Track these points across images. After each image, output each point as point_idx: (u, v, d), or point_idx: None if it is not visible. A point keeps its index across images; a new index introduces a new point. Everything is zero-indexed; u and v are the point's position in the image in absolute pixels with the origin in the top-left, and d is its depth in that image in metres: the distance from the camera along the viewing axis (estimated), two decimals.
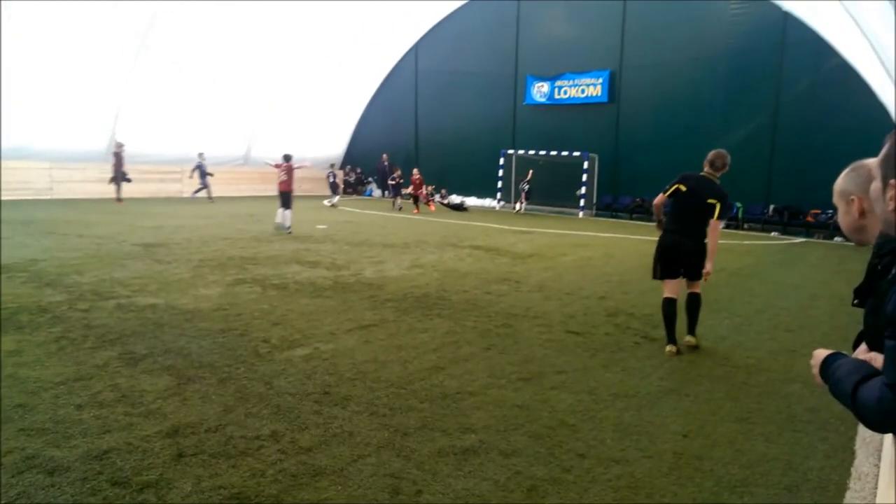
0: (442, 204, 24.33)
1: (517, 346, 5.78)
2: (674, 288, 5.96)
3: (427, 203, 23.04)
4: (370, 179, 30.60)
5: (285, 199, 14.21)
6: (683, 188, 5.87)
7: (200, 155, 22.40)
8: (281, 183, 14.44)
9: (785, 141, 19.82)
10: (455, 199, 24.74)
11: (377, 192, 29.99)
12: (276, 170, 14.72)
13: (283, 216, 14.18)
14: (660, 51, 22.07)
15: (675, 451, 3.75)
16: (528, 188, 23.94)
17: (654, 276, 6.09)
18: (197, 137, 23.51)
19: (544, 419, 4.11)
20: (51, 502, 2.87)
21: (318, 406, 4.16)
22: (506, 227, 17.42)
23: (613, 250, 13.30)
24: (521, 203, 24.19)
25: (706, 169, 5.94)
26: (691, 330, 6.03)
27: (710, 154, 5.92)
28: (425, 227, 16.84)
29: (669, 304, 5.91)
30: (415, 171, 22.94)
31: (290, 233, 13.73)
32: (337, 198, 23.43)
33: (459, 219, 19.79)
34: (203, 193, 22.47)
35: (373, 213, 20.84)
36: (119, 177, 20.46)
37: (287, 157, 14.78)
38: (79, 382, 4.37)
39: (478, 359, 5.36)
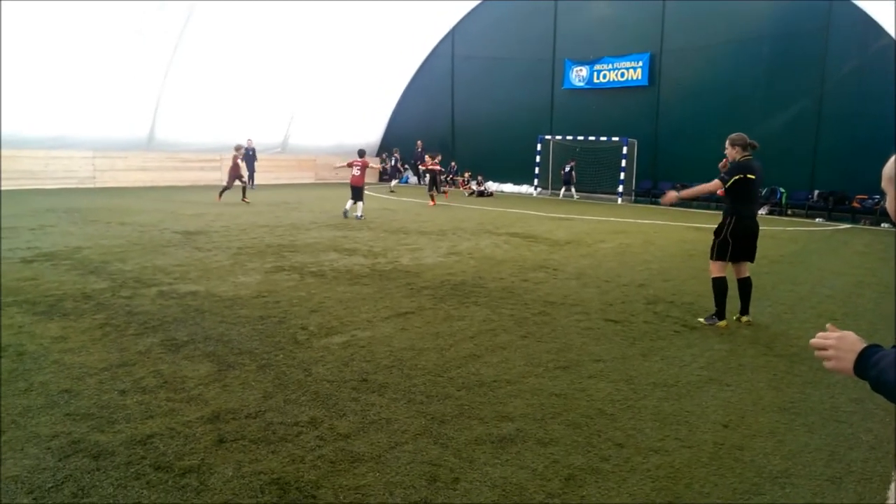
0: (471, 192, 24.14)
1: (554, 334, 5.72)
2: (725, 269, 6.28)
3: (442, 193, 22.34)
4: (406, 166, 30.63)
5: (357, 192, 14.85)
6: (752, 176, 6.09)
7: (248, 141, 22.63)
8: (353, 177, 14.96)
9: (830, 125, 19.16)
10: (476, 186, 24.45)
11: (413, 180, 30.02)
12: (348, 168, 15.26)
13: (354, 206, 14.85)
14: (701, 34, 21.51)
15: (715, 441, 3.66)
16: (573, 174, 23.57)
17: (720, 258, 6.24)
18: (236, 126, 23.87)
19: (582, 408, 4.05)
20: (96, 486, 2.94)
21: (356, 393, 4.18)
22: (543, 214, 17.26)
23: (653, 237, 13.06)
24: (567, 188, 23.77)
25: (748, 152, 6.17)
26: (747, 310, 6.40)
27: (747, 138, 6.19)
28: (461, 214, 16.80)
29: (724, 282, 6.26)
30: (427, 157, 21.20)
31: (362, 219, 14.50)
32: (394, 182, 24.09)
33: (496, 206, 19.68)
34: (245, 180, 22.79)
35: (409, 200, 20.86)
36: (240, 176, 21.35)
37: (361, 153, 15.50)
38: (122, 368, 4.47)
39: (515, 347, 5.32)
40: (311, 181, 28.02)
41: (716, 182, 6.19)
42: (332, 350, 5.07)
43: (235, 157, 18.21)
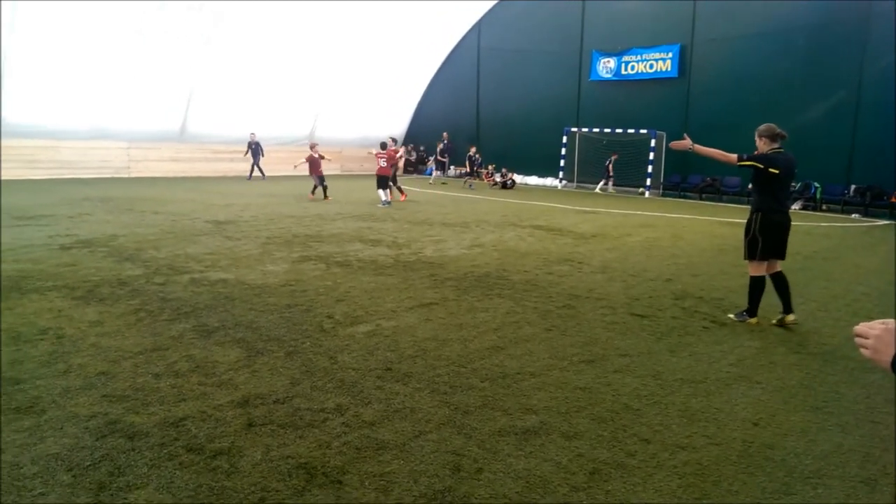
0: (494, 184, 24.07)
1: (579, 328, 5.70)
2: (763, 267, 6.08)
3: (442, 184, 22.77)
4: (430, 158, 30.63)
5: (383, 181, 15.72)
6: (776, 171, 5.84)
7: (252, 135, 22.83)
8: (381, 168, 15.74)
9: (868, 117, 18.63)
10: (501, 178, 24.33)
11: (437, 172, 30.04)
12: (376, 158, 15.98)
13: (385, 194, 15.70)
14: (734, 24, 21.08)
15: (744, 439, 3.63)
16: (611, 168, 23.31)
17: (752, 257, 6.05)
18: (264, 118, 24.15)
19: (607, 402, 4.05)
20: (131, 465, 3.03)
21: (381, 382, 4.23)
22: (568, 207, 17.15)
23: (681, 231, 12.90)
24: (606, 182, 23.53)
25: (776, 144, 5.98)
26: (789, 307, 6.07)
27: (776, 128, 6.00)
28: (485, 206, 16.77)
29: (762, 281, 6.08)
30: (391, 148, 17.21)
31: (387, 205, 15.35)
32: (438, 174, 24.89)
33: (520, 198, 19.61)
34: (256, 172, 23.02)
35: (433, 192, 20.89)
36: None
37: (383, 146, 16.15)
38: (156, 352, 4.59)
39: (539, 339, 5.32)
40: (337, 173, 28.18)
41: (734, 156, 5.94)
42: (358, 339, 5.13)
43: (311, 155, 17.06)
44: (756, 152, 6.04)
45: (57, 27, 17.92)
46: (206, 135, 23.50)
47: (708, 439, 3.60)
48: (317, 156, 16.92)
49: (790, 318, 6.02)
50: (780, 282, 6.11)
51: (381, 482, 2.98)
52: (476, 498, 2.88)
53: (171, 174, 22.58)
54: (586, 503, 2.89)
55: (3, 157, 18.96)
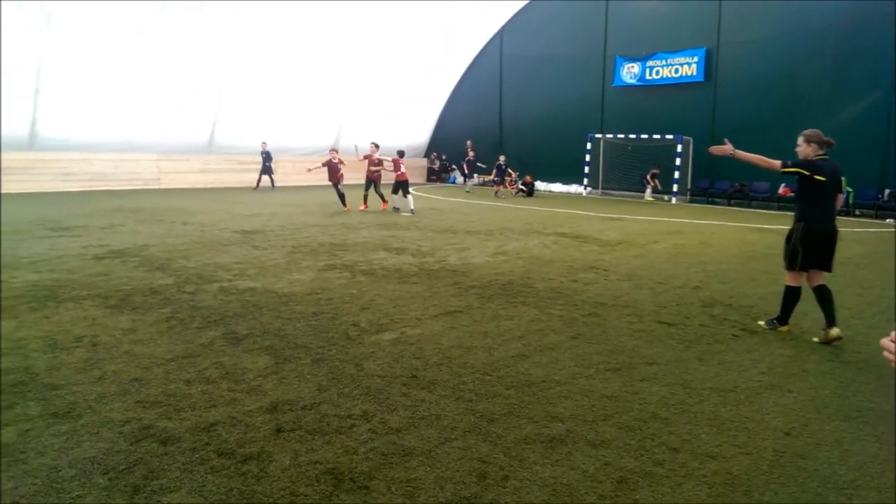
0: (517, 191, 23.94)
1: (605, 336, 5.67)
2: (801, 278, 5.86)
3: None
4: (454, 167, 30.73)
5: (402, 187, 16.05)
6: (822, 178, 5.60)
7: (263, 144, 22.89)
8: (400, 174, 16.09)
9: None
10: (523, 186, 24.20)
11: (461, 180, 30.10)
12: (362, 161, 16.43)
13: (405, 201, 16.12)
14: (761, 25, 20.83)
15: (775, 448, 3.57)
16: (655, 176, 22.90)
17: (791, 267, 5.82)
18: (289, 130, 24.49)
19: (635, 411, 4.02)
20: (164, 469, 3.10)
21: (406, 389, 4.25)
22: (593, 214, 17.06)
23: (710, 238, 12.74)
24: (649, 188, 23.09)
25: (823, 151, 5.73)
26: (832, 321, 5.68)
27: (823, 134, 5.74)
28: (509, 214, 16.76)
29: (798, 292, 5.87)
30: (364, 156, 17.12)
31: (411, 214, 15.71)
32: (466, 180, 25.28)
33: (544, 206, 19.55)
34: (265, 182, 23.11)
35: (457, 200, 20.95)
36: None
37: (401, 154, 16.49)
38: (187, 359, 4.68)
39: (564, 347, 5.30)
40: (361, 182, 28.34)
41: (778, 162, 5.73)
42: (383, 346, 5.16)
43: (330, 159, 16.47)
44: (799, 158, 5.78)
45: (89, 44, 18.45)
46: (233, 146, 23.92)
47: (738, 448, 3.55)
48: (336, 161, 16.40)
49: (834, 332, 5.64)
50: (823, 295, 5.76)
51: (408, 488, 3.00)
52: None
53: (199, 185, 22.98)
54: None
55: (39, 171, 19.54)
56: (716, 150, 6.11)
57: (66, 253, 9.02)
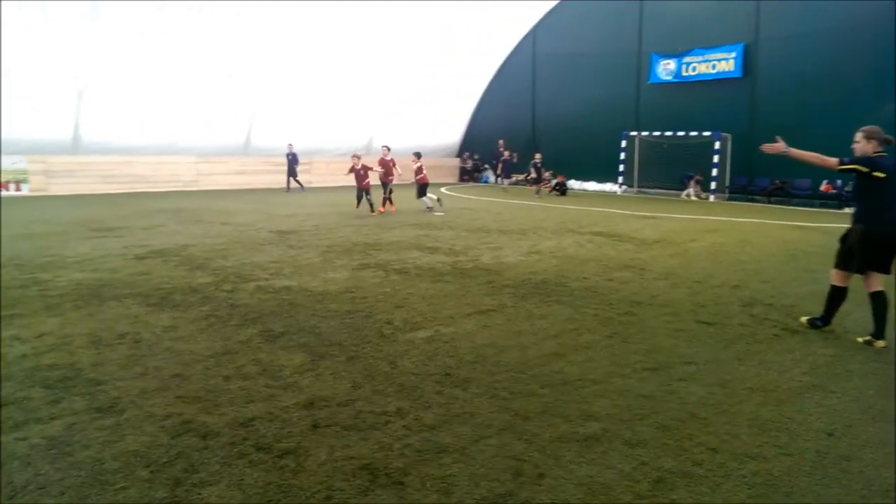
0: (550, 190, 23.66)
1: (642, 335, 5.59)
2: (848, 279, 5.62)
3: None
4: (486, 166, 30.67)
5: (423, 189, 16.48)
6: (881, 175, 5.33)
7: (290, 146, 22.89)
8: (422, 177, 16.52)
9: None
10: (555, 182, 23.94)
11: (493, 179, 30.02)
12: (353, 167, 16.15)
13: (431, 201, 16.44)
14: (801, 20, 20.27)
15: (818, 449, 3.48)
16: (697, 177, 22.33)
17: (842, 267, 5.58)
18: (323, 131, 24.77)
19: (672, 411, 3.95)
20: (204, 462, 3.16)
21: (440, 386, 4.26)
22: (629, 213, 16.84)
23: (749, 236, 12.46)
24: (691, 188, 22.53)
25: (882, 148, 5.45)
26: (881, 333, 5.41)
27: (882, 131, 5.48)
28: (542, 213, 16.66)
29: (844, 293, 5.65)
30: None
31: (430, 210, 16.05)
32: (502, 179, 25.18)
33: (578, 204, 19.39)
34: (293, 184, 23.13)
35: (489, 199, 20.90)
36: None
37: (419, 155, 16.86)
38: (226, 356, 4.78)
39: (599, 347, 5.24)
40: (395, 182, 28.52)
41: (834, 159, 5.49)
42: (417, 344, 5.18)
43: (353, 166, 15.86)
44: (856, 155, 5.52)
45: (129, 51, 18.97)
46: (268, 148, 24.31)
47: (779, 449, 3.47)
48: (359, 167, 15.71)
49: (880, 343, 5.37)
50: (880, 303, 5.44)
51: (443, 484, 3.00)
52: (537, 502, 2.87)
53: (236, 186, 23.41)
54: None
55: (83, 173, 20.17)
56: (768, 148, 5.88)
57: (109, 253, 9.28)
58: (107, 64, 18.86)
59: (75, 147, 19.96)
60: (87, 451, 3.26)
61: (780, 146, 5.79)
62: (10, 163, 18.84)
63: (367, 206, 15.83)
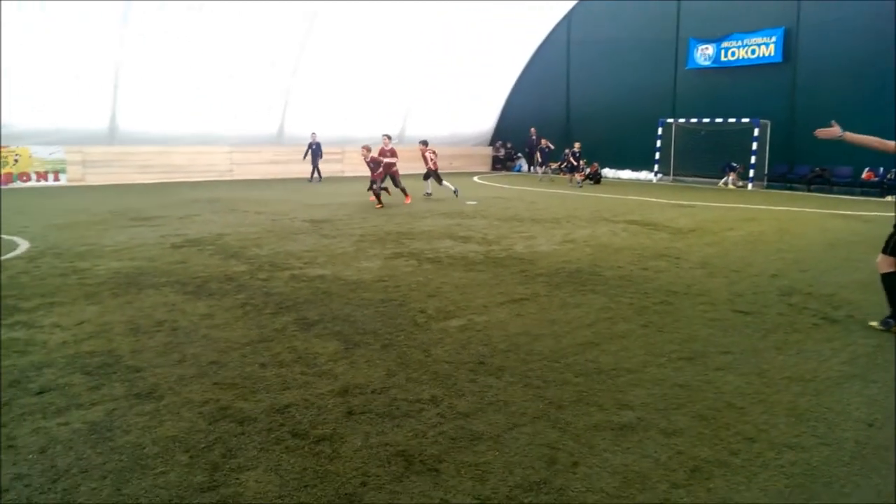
0: (584, 179, 23.27)
1: (677, 325, 5.51)
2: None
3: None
4: (519, 155, 30.47)
5: (434, 175, 17.09)
6: None
7: (313, 135, 22.54)
8: (431, 164, 17.12)
9: None
10: (589, 170, 23.58)
11: (526, 168, 29.82)
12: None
13: (435, 187, 17.23)
14: (843, 3, 19.59)
15: (857, 440, 3.40)
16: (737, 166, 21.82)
17: (891, 252, 5.32)
18: (357, 120, 24.87)
19: (708, 400, 3.89)
20: (242, 448, 3.23)
21: (474, 375, 4.27)
22: (664, 201, 16.57)
23: (788, 224, 12.16)
24: (729, 177, 22.04)
25: None
26: None
27: None
28: (576, 202, 16.50)
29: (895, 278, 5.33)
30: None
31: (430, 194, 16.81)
32: (540, 169, 24.99)
33: (613, 193, 19.15)
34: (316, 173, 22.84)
35: (522, 188, 20.78)
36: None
37: (425, 143, 17.38)
38: (261, 344, 4.86)
39: (635, 336, 5.19)
40: (422, 171, 28.53)
41: (893, 143, 5.27)
42: (450, 333, 5.19)
43: (365, 158, 15.17)
44: None
45: (165, 43, 19.31)
46: (302, 137, 24.46)
47: (818, 439, 3.40)
48: (367, 159, 14.99)
49: None
50: None
51: (477, 472, 3.01)
52: (572, 491, 2.86)
53: (269, 176, 23.70)
54: (687, 500, 2.80)
55: (120, 164, 20.63)
56: (822, 132, 5.60)
57: (146, 242, 9.49)
58: (142, 54, 19.20)
59: (112, 137, 20.41)
60: (127, 436, 3.35)
61: (835, 131, 5.51)
62: (48, 153, 19.36)
63: (400, 195, 15.71)
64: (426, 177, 17.32)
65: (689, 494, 2.85)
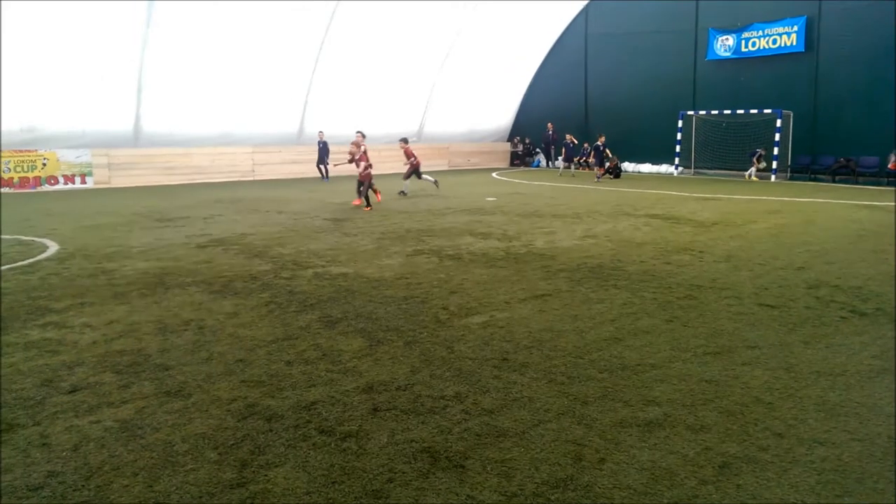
0: (604, 173, 22.99)
1: (702, 319, 5.46)
2: None
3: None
4: (538, 150, 30.34)
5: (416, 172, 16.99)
6: None
7: (320, 133, 22.55)
8: (415, 162, 16.88)
9: None
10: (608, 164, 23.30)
11: (545, 163, 29.69)
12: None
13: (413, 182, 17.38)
14: None
15: (890, 435, 3.34)
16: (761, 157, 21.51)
17: None
18: (375, 118, 24.94)
19: (736, 395, 3.86)
20: (269, 444, 3.26)
21: (498, 371, 4.27)
22: (686, 194, 16.40)
23: (814, 216, 11.97)
24: (753, 168, 21.74)
25: None
26: None
27: None
28: (596, 196, 16.39)
29: None
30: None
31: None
32: (562, 166, 24.58)
33: (633, 187, 18.98)
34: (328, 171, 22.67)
35: (541, 183, 20.68)
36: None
37: (406, 140, 16.97)
38: (287, 342, 4.90)
39: (659, 331, 5.15)
40: (445, 168, 28.56)
41: None
42: (473, 329, 5.20)
43: (352, 153, 14.16)
44: None
45: (185, 46, 19.54)
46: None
47: (849, 434, 3.35)
48: (357, 157, 13.93)
49: None
50: None
51: (503, 468, 3.02)
52: (599, 487, 2.86)
53: (290, 175, 23.86)
54: (716, 497, 2.78)
55: (144, 166, 20.92)
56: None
57: (172, 242, 9.62)
58: (165, 57, 19.44)
59: (136, 140, 20.70)
60: (157, 433, 3.40)
61: None
62: (75, 156, 19.68)
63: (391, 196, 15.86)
64: (407, 176, 17.04)
65: (718, 491, 2.82)
